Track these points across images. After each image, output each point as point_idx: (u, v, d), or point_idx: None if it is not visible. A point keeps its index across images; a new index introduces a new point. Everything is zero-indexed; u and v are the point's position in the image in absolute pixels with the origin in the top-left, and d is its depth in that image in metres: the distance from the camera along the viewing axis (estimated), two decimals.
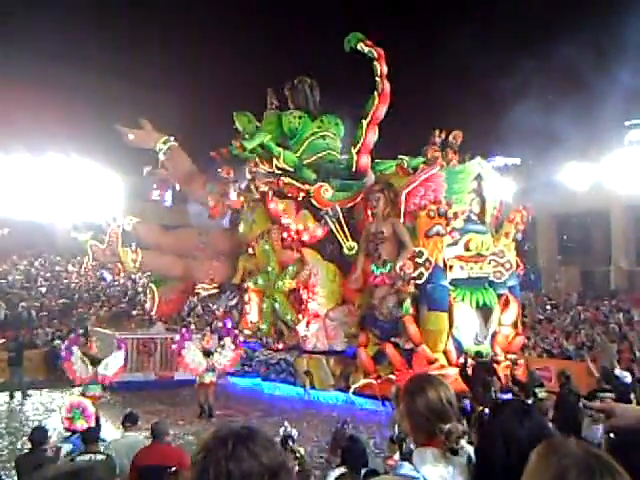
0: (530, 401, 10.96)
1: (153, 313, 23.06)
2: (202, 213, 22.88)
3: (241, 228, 22.33)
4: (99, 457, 7.68)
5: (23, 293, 30.12)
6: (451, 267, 17.20)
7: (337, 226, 19.23)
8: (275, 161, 20.64)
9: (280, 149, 20.72)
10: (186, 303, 27.01)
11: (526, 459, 2.29)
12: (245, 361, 20.42)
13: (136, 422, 9.18)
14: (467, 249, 17.41)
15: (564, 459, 1.58)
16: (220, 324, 21.83)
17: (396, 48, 19.64)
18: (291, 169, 20.67)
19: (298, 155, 21.11)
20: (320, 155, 21.43)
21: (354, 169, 19.62)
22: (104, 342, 20.02)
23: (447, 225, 16.95)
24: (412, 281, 16.69)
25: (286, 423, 10.09)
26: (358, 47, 19.06)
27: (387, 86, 19.05)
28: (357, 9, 38.35)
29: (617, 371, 13.10)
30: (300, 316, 19.96)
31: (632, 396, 10.35)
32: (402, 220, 17.49)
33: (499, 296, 17.69)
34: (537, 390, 12.70)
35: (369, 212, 18.35)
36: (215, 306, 24.41)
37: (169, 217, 25.32)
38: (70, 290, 31.78)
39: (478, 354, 16.05)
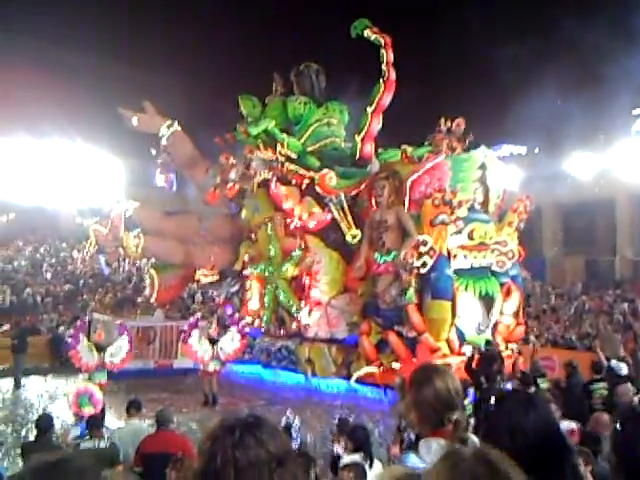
0: (532, 390, 11.01)
1: (152, 300, 22.90)
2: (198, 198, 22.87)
3: (243, 214, 22.24)
4: (102, 444, 7.73)
5: (28, 279, 30.20)
6: (455, 256, 17.16)
7: (341, 214, 19.19)
8: (279, 147, 20.59)
9: (284, 135, 20.67)
10: (185, 290, 26.95)
11: (532, 449, 2.31)
12: (245, 348, 20.46)
13: (140, 409, 9.22)
14: (471, 238, 17.36)
15: (454, 469, 1.58)
16: (221, 311, 21.89)
17: (400, 34, 19.47)
18: (295, 156, 20.63)
19: (302, 142, 21.07)
20: (324, 142, 21.38)
21: (358, 157, 19.58)
22: (104, 329, 20.11)
23: (452, 214, 16.84)
24: (416, 270, 16.67)
25: (289, 412, 10.15)
26: (364, 34, 18.99)
27: (393, 74, 19.00)
28: None
29: (613, 362, 13.10)
30: (302, 303, 19.97)
31: (629, 385, 10.36)
32: (407, 208, 17.38)
33: (501, 285, 17.68)
34: (539, 380, 12.74)
35: (373, 200, 18.29)
36: (216, 293, 24.33)
37: (173, 203, 25.20)
38: (75, 276, 31.86)
39: (488, 343, 16.05)
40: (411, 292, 16.65)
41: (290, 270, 20.43)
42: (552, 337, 22.50)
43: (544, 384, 12.48)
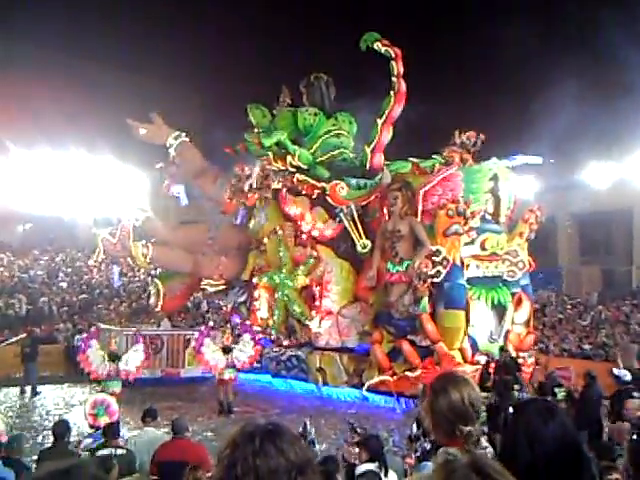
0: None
1: (158, 309, 22.93)
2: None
3: (252, 224, 22.30)
4: (119, 451, 7.76)
5: (44, 288, 30.34)
6: (467, 266, 17.38)
7: (351, 224, 19.30)
8: (290, 159, 20.74)
9: (296, 147, 20.82)
10: (190, 299, 26.98)
11: (551, 459, 2.30)
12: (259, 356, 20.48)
13: (156, 417, 9.24)
14: (483, 248, 17.59)
15: (448, 478, 1.58)
16: (233, 320, 21.96)
17: (414, 46, 19.61)
18: (305, 167, 20.76)
19: (312, 152, 21.20)
20: (333, 153, 21.52)
21: (368, 167, 19.74)
22: (116, 338, 20.18)
23: (465, 224, 17.10)
24: (429, 279, 16.74)
25: (307, 421, 10.14)
26: (375, 46, 19.22)
27: (403, 86, 19.17)
28: (371, 7, 38.13)
29: (615, 370, 13.08)
30: (313, 313, 20.04)
31: (636, 394, 10.35)
32: (419, 219, 17.56)
33: (512, 295, 17.85)
34: (556, 390, 12.68)
35: (385, 210, 18.36)
36: (223, 302, 24.32)
37: (190, 213, 25.26)
38: (91, 285, 31.99)
39: (502, 349, 16.15)
40: (425, 301, 16.82)
41: (301, 280, 20.52)
42: (568, 347, 22.36)
43: (561, 394, 12.42)
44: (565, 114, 25.76)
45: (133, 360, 15.71)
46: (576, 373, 13.98)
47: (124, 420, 11.84)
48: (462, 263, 17.22)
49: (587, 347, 22.12)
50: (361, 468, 6.31)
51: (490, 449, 2.78)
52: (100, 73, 38.62)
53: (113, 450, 7.74)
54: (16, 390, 19.49)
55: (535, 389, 12.37)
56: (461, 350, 16.94)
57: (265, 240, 21.92)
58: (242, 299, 23.25)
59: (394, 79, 19.26)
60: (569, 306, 29.27)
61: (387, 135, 19.71)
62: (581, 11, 29.73)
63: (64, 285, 31.55)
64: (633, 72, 24.94)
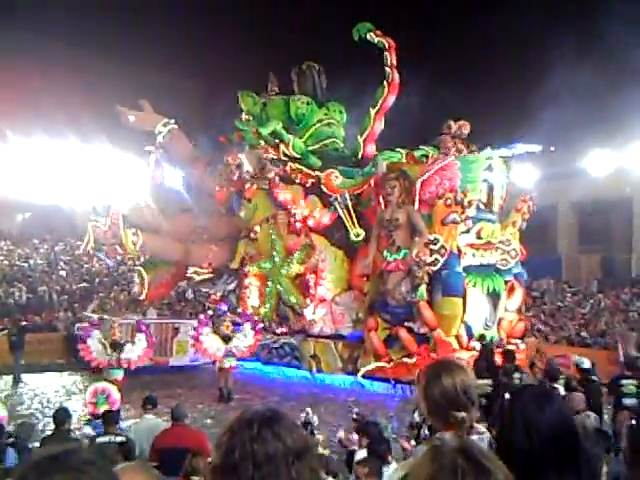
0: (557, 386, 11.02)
1: (142, 297, 22.76)
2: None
3: (242, 213, 22.29)
4: (118, 438, 7.78)
5: (44, 277, 30.35)
6: (464, 254, 17.64)
7: (345, 213, 19.42)
8: (283, 148, 20.79)
9: (290, 136, 20.88)
10: (175, 288, 26.84)
11: (547, 444, 2.31)
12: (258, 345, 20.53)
13: (156, 404, 9.27)
14: (479, 237, 17.92)
15: (435, 462, 1.59)
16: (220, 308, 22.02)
17: (410, 35, 19.62)
18: (298, 156, 20.83)
19: (303, 141, 21.29)
20: (325, 143, 21.73)
21: (360, 157, 19.92)
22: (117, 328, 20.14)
23: (462, 213, 17.41)
24: (427, 267, 16.88)
25: (308, 409, 10.18)
26: (368, 37, 19.44)
27: (397, 76, 19.34)
28: None
29: (575, 357, 13.20)
30: (308, 300, 20.13)
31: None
32: (417, 208, 17.70)
33: (505, 283, 18.23)
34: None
35: (381, 199, 18.42)
36: (212, 290, 24.24)
37: (189, 202, 25.17)
38: (90, 274, 32.00)
39: (481, 337, 16.49)
40: (422, 289, 17.15)
41: (295, 268, 20.63)
42: (567, 335, 22.42)
43: (560, 381, 12.46)
44: (566, 102, 25.73)
45: (136, 349, 15.74)
46: (574, 361, 13.97)
47: (124, 408, 11.88)
48: (459, 251, 17.48)
49: (586, 335, 22.19)
50: (361, 454, 6.34)
51: (487, 434, 2.80)
52: (97, 61, 38.44)
53: (112, 437, 7.76)
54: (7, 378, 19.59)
55: (541, 376, 12.43)
56: (457, 337, 17.27)
57: (257, 228, 21.94)
58: (231, 287, 23.26)
59: (387, 69, 19.52)
60: (568, 294, 29.33)
61: (380, 125, 19.96)
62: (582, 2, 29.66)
63: (64, 274, 31.56)
64: (635, 60, 24.88)
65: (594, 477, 2.53)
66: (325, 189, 19.84)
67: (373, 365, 18.23)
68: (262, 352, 20.93)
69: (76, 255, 34.16)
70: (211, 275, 23.45)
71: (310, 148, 21.30)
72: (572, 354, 14.13)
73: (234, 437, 1.78)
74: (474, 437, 2.70)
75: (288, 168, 20.99)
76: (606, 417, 11.13)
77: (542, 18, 32.84)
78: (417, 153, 20.04)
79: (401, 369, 17.48)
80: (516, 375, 12.13)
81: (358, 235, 19.28)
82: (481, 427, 2.76)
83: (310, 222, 20.41)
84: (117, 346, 15.44)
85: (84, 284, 30.03)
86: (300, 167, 20.81)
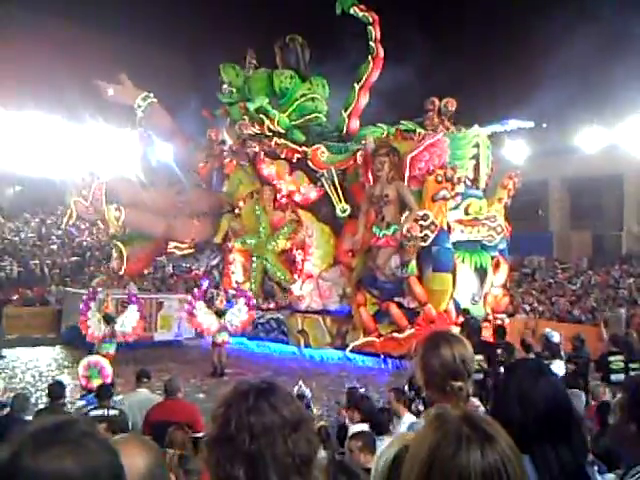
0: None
1: (121, 272, 22.49)
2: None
3: (225, 188, 22.24)
4: (112, 412, 7.79)
5: (35, 250, 30.29)
6: (452, 230, 17.81)
7: (332, 188, 19.43)
8: (268, 123, 20.74)
9: (275, 112, 20.83)
10: (153, 262, 26.74)
11: (541, 418, 2.33)
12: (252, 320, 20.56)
13: (149, 379, 9.28)
14: (467, 213, 18.07)
15: (439, 430, 1.60)
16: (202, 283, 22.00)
17: (404, 10, 19.50)
18: (283, 131, 20.79)
19: (287, 116, 21.24)
20: (308, 117, 21.71)
21: (344, 132, 19.95)
22: (72, 302, 20.11)
23: (452, 189, 17.52)
24: (418, 243, 17.03)
25: (301, 382, 10.22)
26: (351, 11, 19.37)
27: (381, 51, 19.36)
28: None
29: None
30: (295, 276, 20.19)
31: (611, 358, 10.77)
32: (406, 184, 17.78)
33: (491, 258, 18.46)
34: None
35: (369, 175, 18.44)
36: (195, 266, 24.14)
37: (177, 177, 25.05)
38: (82, 248, 31.95)
39: (465, 311, 16.67)
40: (413, 264, 17.26)
41: (281, 243, 20.65)
42: (558, 311, 22.56)
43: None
44: (558, 79, 25.68)
45: (129, 321, 15.76)
46: (565, 337, 14.08)
47: (117, 382, 11.90)
48: (449, 227, 17.64)
49: (577, 311, 22.32)
50: (354, 428, 6.36)
51: (482, 408, 2.81)
52: (83, 34, 38.01)
53: (106, 411, 7.78)
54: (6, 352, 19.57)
55: (545, 350, 12.56)
56: (446, 312, 17.42)
57: (241, 204, 21.90)
58: (214, 263, 23.21)
59: (372, 44, 19.57)
60: (559, 271, 29.47)
61: (364, 100, 20.02)
62: None
63: (55, 248, 31.50)
64: (627, 36, 24.84)
65: (584, 446, 2.55)
66: (312, 164, 19.90)
67: (362, 340, 18.37)
68: (248, 327, 21.02)
69: (67, 229, 34.07)
70: (192, 250, 23.37)
71: (293, 123, 21.29)
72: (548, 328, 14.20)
73: (230, 409, 1.78)
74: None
75: (273, 143, 20.96)
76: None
77: None
78: (391, 131, 20.10)
79: (391, 343, 17.66)
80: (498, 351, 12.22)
81: (344, 210, 19.35)
82: (476, 401, 2.78)
83: (296, 197, 20.43)
84: (110, 319, 15.44)
85: (75, 258, 29.99)
86: (286, 142, 20.81)
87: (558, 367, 10.49)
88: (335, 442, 7.41)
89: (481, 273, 18.17)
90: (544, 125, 35.52)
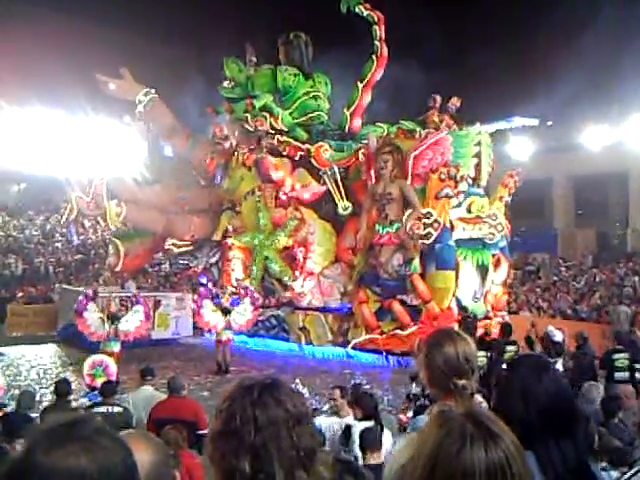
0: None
1: (117, 269, 22.56)
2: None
3: (225, 185, 22.19)
4: (116, 409, 7.81)
5: (40, 248, 30.36)
6: (455, 228, 17.88)
7: (334, 186, 19.47)
8: (272, 121, 20.76)
9: (279, 109, 20.87)
10: (152, 259, 26.75)
11: (544, 414, 2.34)
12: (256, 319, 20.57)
13: (154, 375, 9.30)
14: (469, 211, 18.11)
15: (443, 428, 1.60)
16: (200, 281, 21.98)
17: (411, 9, 19.53)
18: (285, 129, 20.83)
19: (290, 113, 21.28)
20: (311, 115, 21.78)
21: (347, 130, 20.03)
22: (69, 299, 20.12)
23: (455, 188, 17.63)
24: (421, 240, 17.15)
25: (297, 380, 10.23)
26: (357, 10, 19.49)
27: (385, 50, 19.43)
28: None
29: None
30: (297, 273, 20.23)
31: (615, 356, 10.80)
32: (409, 182, 17.84)
33: (492, 256, 18.55)
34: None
35: (372, 173, 18.48)
36: (195, 263, 24.10)
37: (183, 173, 25.01)
38: (86, 246, 32.01)
39: (464, 309, 17.08)
40: (416, 262, 17.39)
41: (283, 241, 20.64)
42: (562, 309, 22.54)
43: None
44: (563, 76, 25.65)
45: (133, 321, 15.79)
46: (569, 334, 14.09)
47: (121, 380, 11.94)
48: (452, 225, 17.71)
49: (581, 309, 22.30)
50: (357, 426, 6.36)
51: (485, 404, 2.82)
52: (96, 32, 38.02)
53: (110, 408, 7.80)
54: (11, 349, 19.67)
55: (548, 348, 12.59)
56: (449, 309, 17.50)
57: (241, 201, 21.90)
58: (214, 260, 23.20)
59: (377, 43, 19.70)
60: (564, 268, 29.43)
61: (367, 98, 20.10)
62: None
63: (59, 245, 31.57)
64: (633, 34, 24.79)
65: (589, 444, 2.56)
66: (315, 162, 19.94)
67: (364, 337, 18.46)
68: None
69: (67, 229, 34.11)
70: (191, 247, 23.34)
71: (296, 121, 21.34)
72: (551, 326, 14.21)
73: (235, 403, 1.80)
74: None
75: (276, 141, 20.99)
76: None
77: None
78: (393, 129, 20.29)
79: (393, 341, 17.75)
80: (511, 348, 12.22)
81: (346, 208, 19.43)
82: (479, 397, 2.78)
83: (306, 195, 20.41)
84: (114, 318, 15.47)
85: (80, 256, 30.05)
86: (289, 140, 20.85)
87: (559, 366, 10.51)
88: (340, 439, 7.36)
89: (482, 271, 18.26)
90: (549, 122, 35.51)
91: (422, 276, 17.51)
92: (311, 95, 21.90)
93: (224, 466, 1.77)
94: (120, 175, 21.51)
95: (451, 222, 17.67)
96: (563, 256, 32.01)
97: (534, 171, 31.14)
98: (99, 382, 10.30)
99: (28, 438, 1.41)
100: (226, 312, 17.06)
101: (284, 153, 20.98)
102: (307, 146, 20.32)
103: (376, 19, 19.65)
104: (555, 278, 27.71)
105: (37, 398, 12.73)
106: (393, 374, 16.06)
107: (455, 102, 19.01)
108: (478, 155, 18.41)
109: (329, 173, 19.68)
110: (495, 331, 15.23)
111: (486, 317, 17.67)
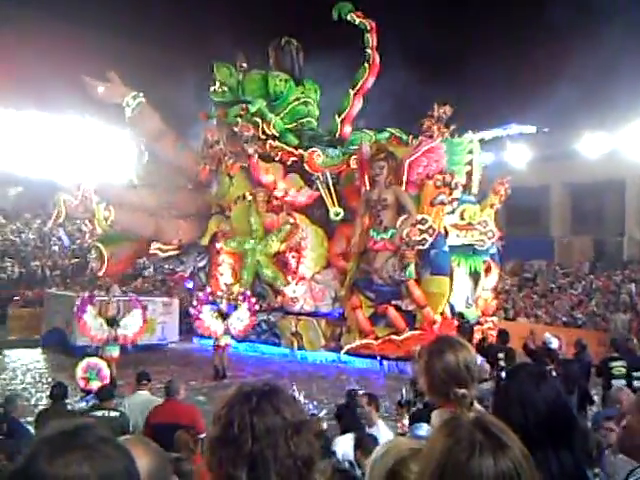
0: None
1: (100, 274, 22.37)
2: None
3: (214, 189, 22.14)
4: (113, 413, 7.81)
5: (36, 252, 30.31)
6: (448, 234, 18.16)
7: (326, 191, 19.54)
8: (264, 126, 20.78)
9: (272, 115, 20.90)
10: (135, 263, 26.55)
11: (543, 421, 2.33)
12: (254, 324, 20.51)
13: (150, 380, 9.28)
14: (462, 218, 18.41)
15: (452, 435, 1.59)
16: (187, 284, 21.90)
17: (405, 13, 19.57)
18: (277, 134, 20.85)
19: (280, 118, 21.30)
20: (301, 121, 21.89)
21: (337, 136, 20.14)
22: (64, 304, 20.07)
23: (450, 195, 17.82)
24: (416, 246, 17.38)
25: (294, 386, 10.21)
26: (349, 17, 19.61)
27: (377, 58, 19.60)
28: None
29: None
30: (289, 278, 20.26)
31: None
32: (404, 188, 18.03)
33: (483, 262, 18.83)
34: (500, 355, 12.88)
35: (366, 179, 18.58)
36: (182, 267, 23.91)
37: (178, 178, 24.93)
38: (82, 249, 31.93)
39: (460, 315, 17.07)
40: (412, 268, 17.56)
41: (275, 246, 20.68)
42: (559, 316, 22.57)
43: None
44: (560, 84, 25.70)
45: (131, 325, 15.76)
46: (566, 342, 14.08)
47: (118, 384, 11.92)
48: (446, 232, 17.99)
49: (578, 316, 22.33)
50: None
51: (484, 412, 2.81)
52: (92, 38, 37.93)
53: (107, 412, 7.79)
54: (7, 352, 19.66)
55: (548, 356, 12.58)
56: (442, 314, 17.71)
57: (230, 206, 21.85)
58: (201, 265, 23.13)
59: (369, 51, 19.88)
60: (561, 275, 29.45)
61: (358, 105, 20.23)
62: None
63: (56, 249, 31.52)
64: (630, 42, 24.84)
65: (588, 453, 2.56)
66: (307, 167, 20.04)
67: (359, 342, 18.56)
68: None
69: (68, 231, 34.09)
70: (177, 252, 23.19)
71: (286, 126, 21.41)
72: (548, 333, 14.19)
73: (233, 410, 1.79)
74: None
75: (267, 146, 20.99)
76: (596, 398, 11.24)
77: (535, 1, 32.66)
78: (382, 135, 20.66)
79: (389, 346, 17.91)
80: (501, 355, 12.23)
81: (337, 214, 19.60)
82: (477, 405, 2.77)
83: (290, 200, 20.47)
84: (114, 322, 15.44)
85: (76, 259, 30.00)
86: (282, 146, 20.91)
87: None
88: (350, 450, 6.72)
89: (475, 277, 18.60)
90: (546, 130, 35.53)
91: (417, 282, 17.68)
92: (301, 101, 22.00)
93: (221, 473, 1.77)
94: (108, 178, 21.44)
95: (445, 229, 17.94)
96: (559, 263, 32.03)
97: (531, 178, 31.22)
98: (94, 385, 10.29)
99: (32, 444, 1.40)
100: (225, 317, 17.06)
101: (276, 158, 20.99)
102: (300, 152, 20.38)
103: (368, 27, 19.82)
104: (552, 285, 27.72)
105: (33, 402, 12.80)
106: (388, 379, 16.07)
107: (446, 111, 19.13)
108: (470, 163, 18.67)
109: (321, 179, 19.77)
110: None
111: (477, 322, 17.95)
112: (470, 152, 18.62)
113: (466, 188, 18.63)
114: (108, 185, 21.14)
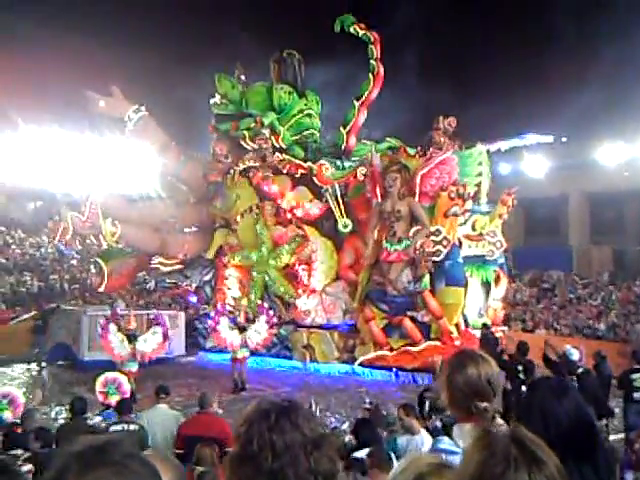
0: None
1: (101, 289, 22.27)
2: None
3: (219, 203, 22.08)
4: (132, 427, 7.81)
5: (55, 265, 30.50)
6: (462, 245, 18.36)
7: (335, 203, 19.55)
8: (273, 139, 20.81)
9: (281, 127, 20.91)
10: (136, 278, 26.48)
11: (565, 435, 2.31)
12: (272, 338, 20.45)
13: (168, 393, 9.28)
14: (473, 229, 18.65)
15: (487, 450, 1.57)
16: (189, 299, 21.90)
17: (422, 24, 19.60)
18: (284, 147, 20.88)
19: (287, 130, 21.33)
20: (305, 134, 21.86)
21: (342, 148, 20.18)
22: (70, 319, 20.15)
23: (463, 206, 17.90)
24: (431, 258, 17.40)
25: (312, 400, 10.18)
26: (351, 30, 19.71)
27: (382, 69, 19.67)
28: None
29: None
30: (300, 291, 20.26)
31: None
32: (417, 200, 18.07)
33: (493, 272, 19.05)
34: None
35: (377, 190, 18.60)
36: (187, 282, 23.57)
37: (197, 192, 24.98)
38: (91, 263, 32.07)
39: (485, 326, 17.10)
40: (427, 279, 17.61)
41: (285, 258, 20.62)
42: (579, 327, 22.39)
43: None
44: (578, 93, 25.61)
45: (150, 341, 15.75)
46: (586, 353, 13.95)
47: (137, 398, 11.93)
48: (460, 242, 18.14)
49: (597, 327, 22.14)
50: (358, 454, 6.14)
51: (505, 426, 2.78)
52: (88, 46, 38.09)
53: (125, 426, 7.79)
54: (25, 366, 19.75)
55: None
56: (457, 325, 17.79)
57: (238, 219, 21.75)
58: (207, 278, 23.04)
59: (373, 62, 19.92)
60: (580, 286, 29.22)
61: (363, 117, 20.28)
62: None
63: (75, 262, 31.70)
64: None
65: (610, 468, 2.52)
66: (317, 180, 20.07)
67: (374, 354, 18.56)
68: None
69: (87, 244, 34.26)
70: (180, 266, 22.98)
71: (292, 139, 21.45)
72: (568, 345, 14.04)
73: (252, 427, 1.79)
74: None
75: (276, 159, 21.01)
76: (617, 410, 11.14)
77: (556, 9, 32.59)
78: (382, 145, 20.65)
79: (404, 357, 17.92)
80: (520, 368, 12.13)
81: (346, 226, 19.64)
82: (499, 419, 2.75)
83: (299, 212, 20.44)
84: (132, 337, 15.45)
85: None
86: (290, 158, 20.93)
87: None
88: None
89: (486, 287, 18.83)
90: (564, 139, 35.37)
91: (432, 292, 17.72)
92: (305, 113, 21.97)
93: None
94: (114, 193, 21.49)
95: (459, 239, 18.06)
96: (578, 273, 31.80)
97: (549, 188, 31.09)
98: (113, 400, 10.30)
99: (61, 459, 1.40)
100: (242, 329, 17.05)
101: (284, 171, 21.00)
102: (309, 164, 20.41)
103: (372, 39, 19.83)
104: (571, 296, 27.52)
105: (53, 415, 12.85)
106: (405, 391, 15.96)
107: (451, 123, 19.14)
108: (480, 174, 18.74)
109: (330, 191, 19.81)
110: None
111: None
112: (480, 164, 18.71)
113: (475, 199, 18.71)
114: (114, 199, 21.13)
